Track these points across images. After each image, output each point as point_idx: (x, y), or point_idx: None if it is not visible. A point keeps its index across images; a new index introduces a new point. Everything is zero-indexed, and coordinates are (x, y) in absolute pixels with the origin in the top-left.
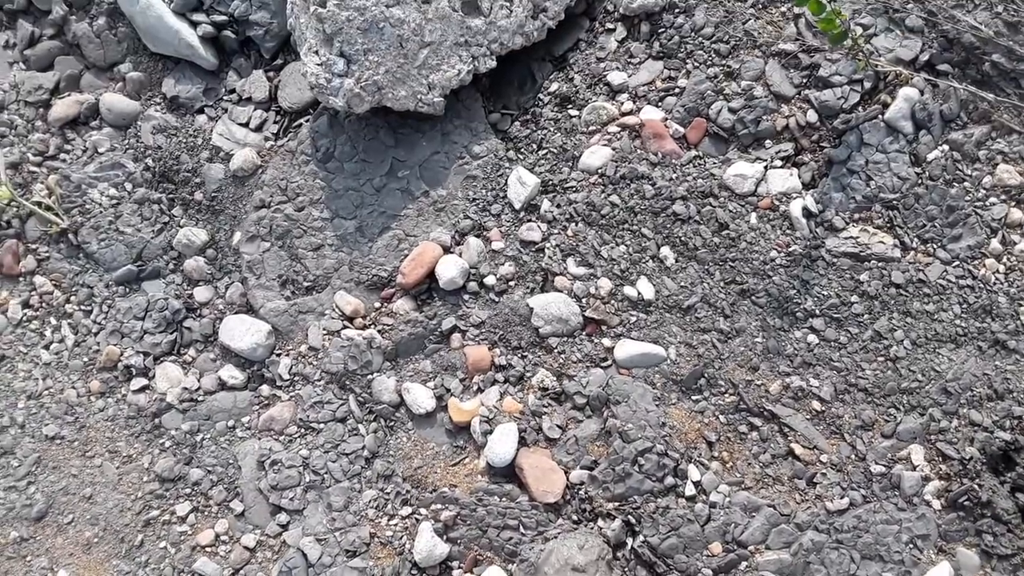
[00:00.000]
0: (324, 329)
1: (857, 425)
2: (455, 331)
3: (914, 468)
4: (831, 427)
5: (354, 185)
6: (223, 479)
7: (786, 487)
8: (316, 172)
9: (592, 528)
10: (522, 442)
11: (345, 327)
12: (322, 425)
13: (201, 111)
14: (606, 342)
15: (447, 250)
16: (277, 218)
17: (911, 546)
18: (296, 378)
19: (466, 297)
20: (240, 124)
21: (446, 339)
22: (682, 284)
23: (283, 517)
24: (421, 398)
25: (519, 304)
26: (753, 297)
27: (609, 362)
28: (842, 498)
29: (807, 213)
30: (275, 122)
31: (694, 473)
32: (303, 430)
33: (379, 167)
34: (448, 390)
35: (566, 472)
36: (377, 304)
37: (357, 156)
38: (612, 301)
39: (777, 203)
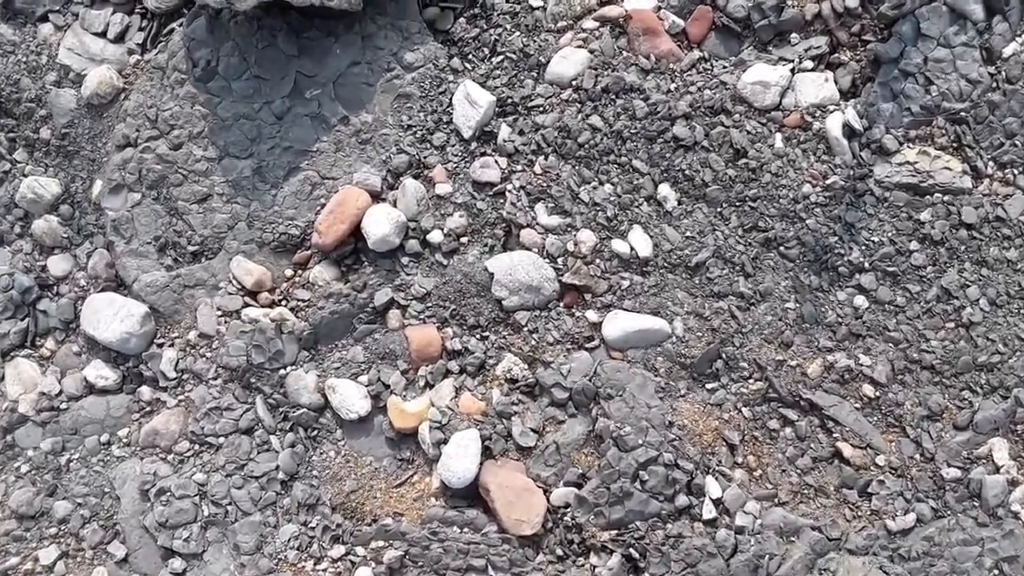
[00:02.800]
0: (219, 309)
1: (922, 415)
2: (392, 307)
3: (997, 469)
4: (888, 418)
5: (247, 111)
6: (97, 514)
7: (833, 500)
8: (195, 95)
9: (583, 567)
10: (487, 453)
11: (246, 305)
12: (222, 439)
13: (44, 18)
14: (591, 315)
15: (376, 197)
16: (148, 160)
17: (997, 573)
18: (185, 376)
19: (405, 260)
20: (95, 34)
21: (381, 317)
22: (688, 234)
23: (177, 563)
24: (351, 398)
25: (475, 268)
26: (781, 248)
27: (596, 342)
28: (906, 513)
29: (849, 132)
30: (140, 29)
31: (713, 488)
32: (197, 446)
33: (279, 85)
34: (387, 386)
35: (546, 492)
36: (288, 272)
37: (248, 71)
38: (597, 260)
39: (809, 119)
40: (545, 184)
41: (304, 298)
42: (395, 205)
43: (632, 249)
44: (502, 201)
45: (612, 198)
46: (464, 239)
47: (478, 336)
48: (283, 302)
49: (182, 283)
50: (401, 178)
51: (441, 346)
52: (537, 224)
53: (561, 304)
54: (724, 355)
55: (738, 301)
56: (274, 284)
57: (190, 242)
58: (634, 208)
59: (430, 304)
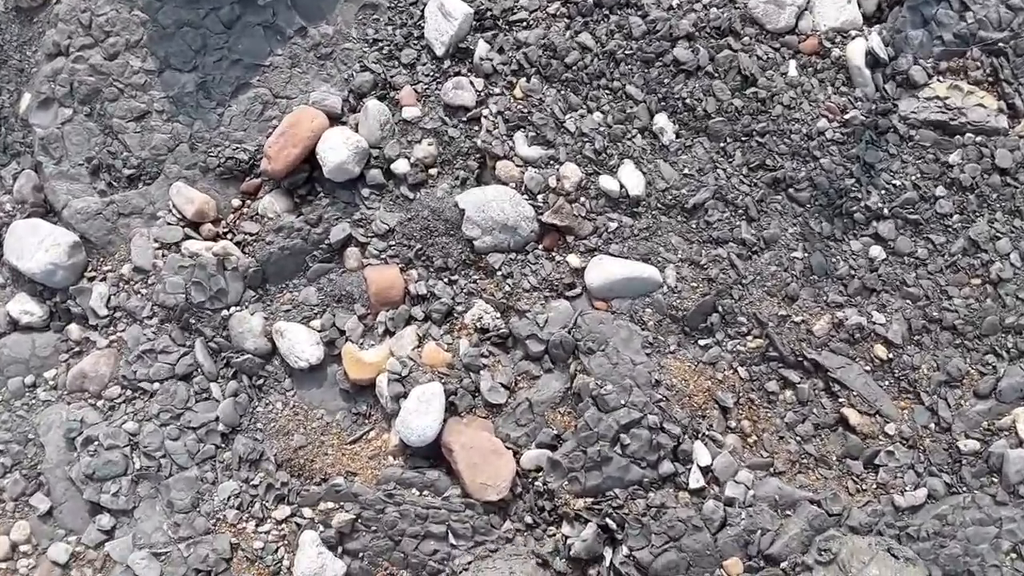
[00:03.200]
0: (156, 241)
1: (939, 380)
2: (350, 244)
3: (1021, 443)
4: (901, 383)
5: (191, 18)
6: (20, 463)
7: (835, 472)
8: None
9: (554, 536)
10: (451, 409)
11: (187, 238)
12: (156, 385)
13: None
14: (573, 260)
15: (336, 120)
16: (80, 71)
17: (1015, 556)
18: (117, 314)
19: (365, 192)
20: None
21: (337, 256)
22: (686, 171)
23: (105, 520)
24: (302, 345)
25: (444, 203)
26: (791, 189)
27: (578, 290)
28: (916, 488)
29: (872, 61)
30: None
31: (702, 454)
32: (129, 392)
33: None
34: (342, 332)
35: (515, 454)
36: (235, 202)
37: None
38: (582, 198)
39: (827, 45)
40: (526, 110)
41: (252, 231)
42: (356, 130)
43: (622, 187)
44: (477, 128)
45: (601, 128)
46: (433, 170)
47: (445, 280)
48: (228, 235)
49: (116, 210)
50: (364, 99)
51: (404, 290)
52: (515, 155)
53: (540, 246)
54: (720, 308)
55: (739, 248)
56: (219, 215)
57: (126, 165)
58: (626, 140)
59: (393, 242)
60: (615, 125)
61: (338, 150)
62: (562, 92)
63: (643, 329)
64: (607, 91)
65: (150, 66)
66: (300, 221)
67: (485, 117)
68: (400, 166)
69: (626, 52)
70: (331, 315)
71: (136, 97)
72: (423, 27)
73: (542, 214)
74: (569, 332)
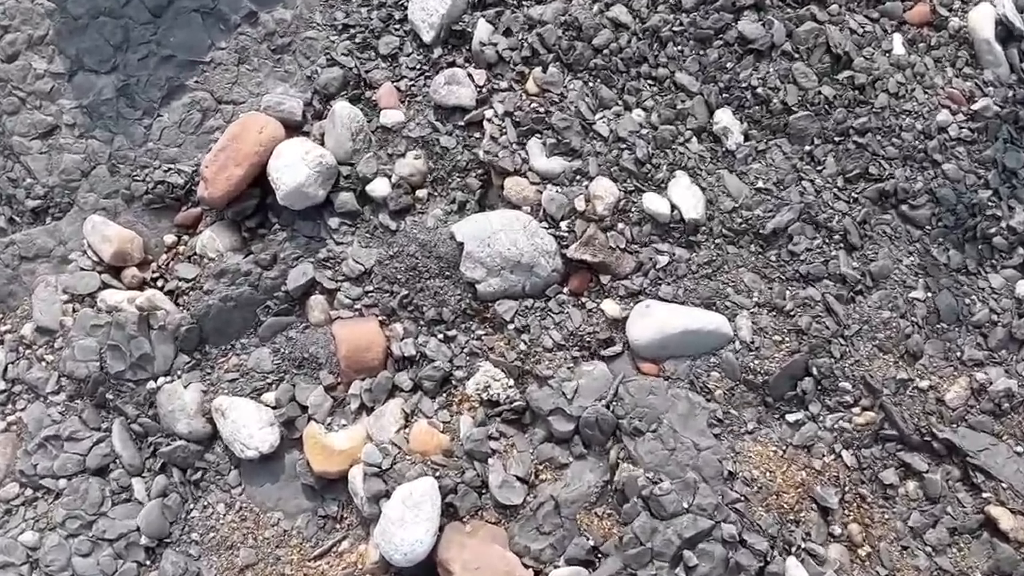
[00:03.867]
0: (65, 292)
1: None
2: (314, 291)
3: None
4: None
5: (109, 5)
6: None
7: None
8: None
9: None
10: (450, 513)
11: (105, 286)
12: (63, 482)
13: None
14: (610, 308)
15: (295, 130)
16: None
17: None
18: (16, 389)
19: (334, 223)
20: None
21: (298, 306)
22: (760, 185)
23: None
24: (251, 427)
25: (437, 235)
26: (905, 206)
27: (618, 347)
28: None
29: (1005, 33)
30: None
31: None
32: (29, 491)
33: None
34: (304, 409)
35: (538, 574)
36: (168, 238)
37: None
38: (620, 225)
39: (943, 13)
40: (543, 109)
41: (188, 276)
42: (321, 142)
43: (674, 208)
44: (478, 135)
45: (644, 131)
46: (421, 192)
47: (440, 336)
48: (159, 282)
49: (17, 253)
50: (332, 102)
51: (385, 351)
52: (530, 170)
53: (565, 290)
54: (815, 370)
55: (837, 287)
56: (146, 256)
57: (29, 195)
58: (677, 146)
59: (370, 288)
60: (662, 126)
61: (295, 168)
62: (590, 84)
63: (709, 400)
64: (650, 81)
65: (58, 68)
66: (249, 262)
67: (489, 120)
68: (378, 187)
69: (674, 29)
70: (289, 386)
71: (41, 108)
72: (406, 7)
73: (567, 247)
74: (607, 405)
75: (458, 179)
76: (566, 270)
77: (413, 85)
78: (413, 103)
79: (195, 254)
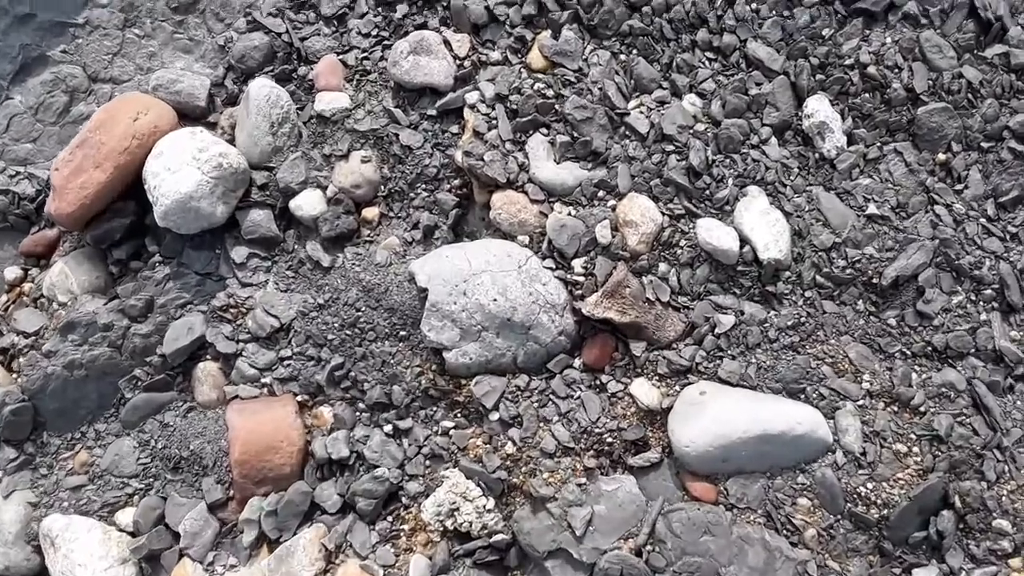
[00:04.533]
0: None
1: None
2: (204, 354)
3: None
4: None
5: None
6: None
7: None
8: None
9: None
10: None
11: None
12: None
13: None
14: (644, 392)
15: (195, 119)
16: None
17: None
18: None
19: (239, 254)
20: None
21: (181, 378)
22: (874, 211)
23: None
24: (93, 564)
25: (389, 276)
26: None
27: (654, 454)
28: None
29: None
30: None
31: None
32: None
33: None
34: (176, 537)
35: None
36: (11, 273)
37: None
38: (664, 265)
39: None
40: (552, 92)
41: (28, 330)
42: (231, 138)
43: (744, 243)
44: (456, 130)
45: (701, 127)
46: (370, 211)
47: (388, 428)
48: None
49: None
50: (250, 81)
51: (302, 450)
52: (531, 181)
53: (577, 363)
54: (958, 500)
55: (990, 370)
56: None
57: None
58: (749, 149)
59: (287, 353)
60: (728, 120)
61: (182, 172)
62: (623, 57)
63: (795, 544)
64: (710, 54)
65: None
66: (111, 311)
67: (472, 108)
68: (307, 203)
69: None
70: (158, 500)
71: None
72: None
73: (582, 298)
74: (638, 551)
75: (424, 193)
76: (580, 333)
77: (366, 58)
78: (365, 83)
79: (42, 296)
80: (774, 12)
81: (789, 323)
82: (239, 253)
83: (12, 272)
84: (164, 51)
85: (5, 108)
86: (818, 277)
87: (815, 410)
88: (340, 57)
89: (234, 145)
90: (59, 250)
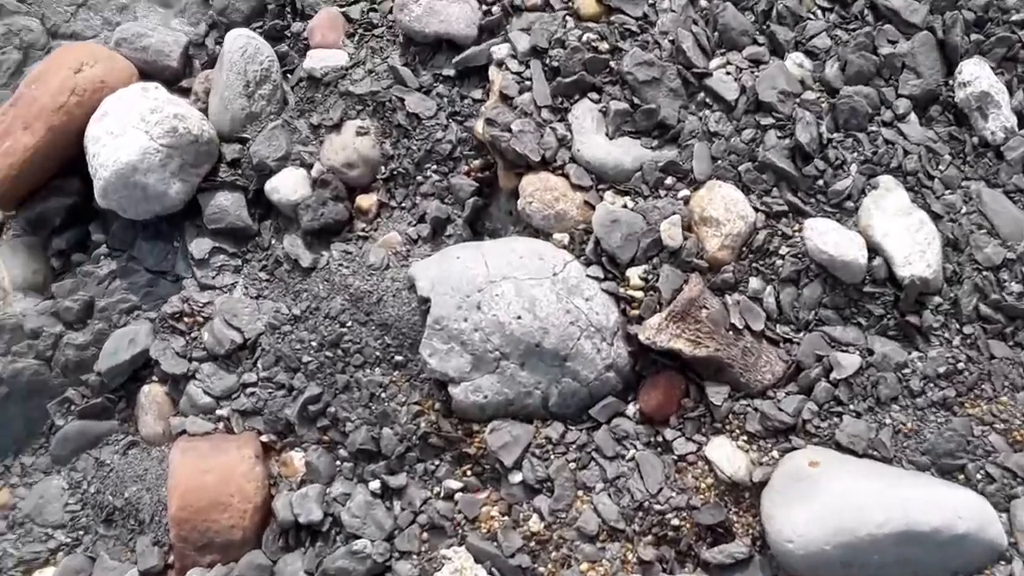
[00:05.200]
0: None
1: None
2: (148, 375)
3: None
4: None
5: None
6: None
7: None
8: None
9: None
10: None
11: None
12: None
13: None
14: (727, 457)
15: (166, 83)
16: None
17: None
18: None
19: (200, 247)
20: None
21: (123, 401)
22: None
23: None
24: None
25: (384, 282)
26: None
27: (742, 548)
28: None
29: None
30: None
31: None
32: None
33: None
34: None
35: None
36: None
37: None
38: (757, 279)
39: None
40: (606, 46)
41: None
42: (205, 107)
43: (874, 254)
44: (479, 94)
45: (810, 95)
46: (366, 198)
47: (375, 485)
48: None
49: None
50: (230, 31)
51: (262, 507)
52: (573, 160)
53: (631, 409)
54: None
55: None
56: None
57: None
58: (880, 128)
59: (251, 378)
60: (848, 87)
61: (124, 137)
62: (702, 2)
63: None
64: (824, 1)
65: None
66: (42, 314)
67: (501, 65)
68: (287, 184)
69: None
70: (86, 558)
71: None
72: None
73: (640, 319)
74: None
75: (435, 177)
76: (636, 369)
77: (373, 8)
78: (369, 39)
79: None
80: None
81: (940, 370)
82: (200, 247)
83: None
84: (137, 3)
85: None
86: (982, 307)
87: (981, 498)
88: (342, 9)
89: (206, 114)
90: (3, 235)
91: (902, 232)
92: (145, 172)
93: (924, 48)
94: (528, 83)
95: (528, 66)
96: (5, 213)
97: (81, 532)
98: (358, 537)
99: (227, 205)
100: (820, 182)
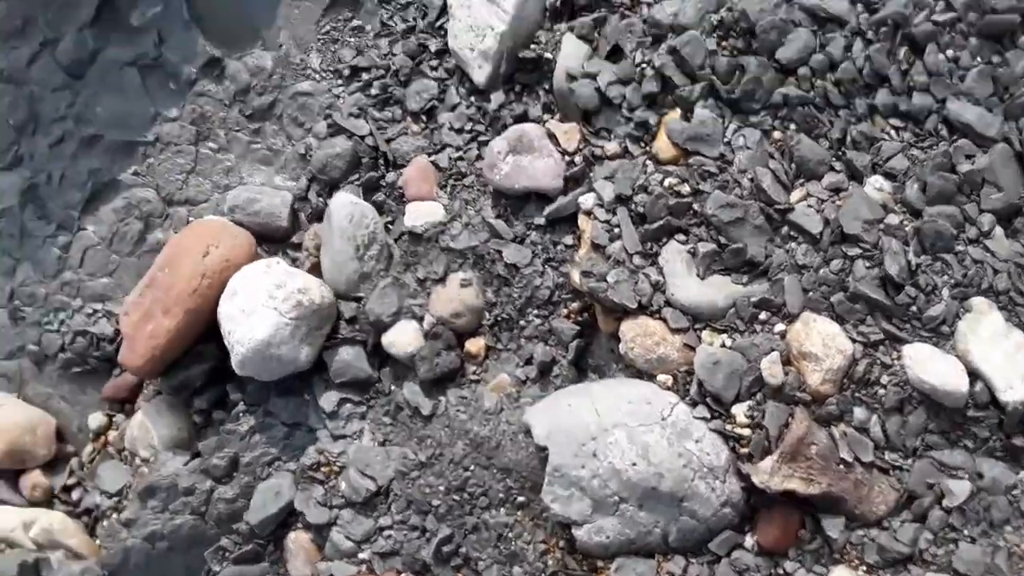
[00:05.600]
0: None
1: None
2: (295, 523)
3: None
4: None
5: (5, 62)
6: None
7: None
8: None
9: None
10: None
11: None
12: None
13: None
14: None
15: (278, 241)
16: None
17: None
18: None
19: (329, 400)
20: None
21: (272, 546)
22: None
23: None
24: None
25: (499, 425)
26: None
27: None
28: None
29: None
30: None
31: None
32: None
33: None
34: None
35: None
36: (96, 420)
37: None
38: (861, 409)
39: None
40: (688, 189)
41: (111, 489)
42: (316, 260)
43: (975, 378)
44: (570, 241)
45: (894, 219)
46: (474, 343)
47: None
48: (74, 492)
49: None
50: (334, 192)
51: None
52: (668, 304)
53: (749, 541)
54: None
55: None
56: (62, 447)
57: None
58: (967, 247)
59: (386, 521)
60: (930, 210)
61: (257, 316)
62: (777, 136)
63: None
64: (897, 120)
65: None
66: (193, 471)
67: (589, 214)
68: (401, 338)
69: (937, 18)
70: None
71: None
72: (446, 31)
73: (749, 457)
74: None
75: (537, 321)
76: (750, 503)
77: (460, 158)
78: (460, 189)
79: (124, 450)
80: (979, 59)
81: None
82: (329, 400)
83: (96, 420)
84: (242, 164)
85: (79, 240)
86: None
87: None
88: (432, 158)
89: (319, 270)
90: (143, 394)
91: (1000, 357)
92: (278, 345)
93: (1002, 160)
94: (617, 230)
95: (615, 213)
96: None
97: None
98: None
99: (349, 359)
100: (913, 308)
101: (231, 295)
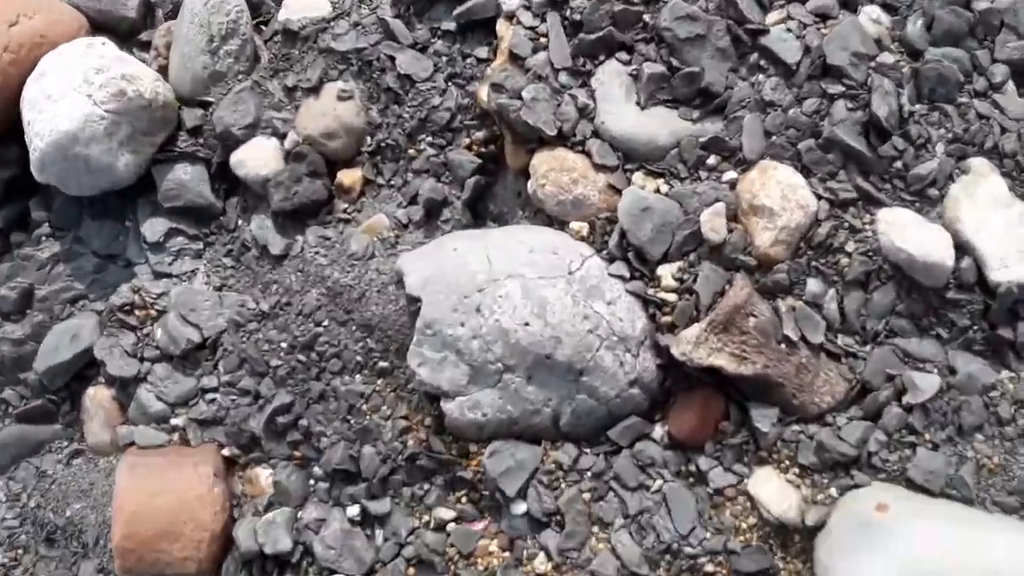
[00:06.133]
0: None
1: None
2: (95, 376)
3: None
4: None
5: None
6: None
7: None
8: None
9: None
10: None
11: None
12: None
13: None
14: (771, 491)
15: (121, 37)
16: None
17: None
18: None
19: (155, 228)
20: None
21: (67, 404)
22: None
23: None
24: None
25: (367, 273)
26: None
27: None
28: None
29: None
30: None
31: None
32: None
33: None
34: None
35: None
36: None
37: None
38: (816, 281)
39: None
40: None
41: None
42: (166, 62)
43: (962, 252)
44: (484, 53)
45: (890, 52)
46: (348, 174)
47: (353, 511)
48: None
49: None
50: None
51: (220, 534)
52: (596, 135)
53: (658, 431)
54: None
55: None
56: None
57: None
58: (969, 98)
59: (211, 383)
60: (934, 51)
61: (63, 102)
62: None
63: None
64: None
65: None
66: None
67: (512, 18)
68: (254, 158)
69: None
70: None
71: None
72: None
73: (672, 327)
74: None
75: (430, 150)
76: (665, 385)
77: None
78: None
79: None
80: None
81: None
82: (154, 228)
83: None
84: None
85: None
86: None
87: None
88: None
89: (167, 72)
90: None
91: (998, 228)
92: (87, 142)
93: None
94: (544, 40)
95: (544, 19)
96: None
97: (20, 551)
98: (333, 571)
99: (186, 180)
100: (898, 164)
101: (39, 76)
